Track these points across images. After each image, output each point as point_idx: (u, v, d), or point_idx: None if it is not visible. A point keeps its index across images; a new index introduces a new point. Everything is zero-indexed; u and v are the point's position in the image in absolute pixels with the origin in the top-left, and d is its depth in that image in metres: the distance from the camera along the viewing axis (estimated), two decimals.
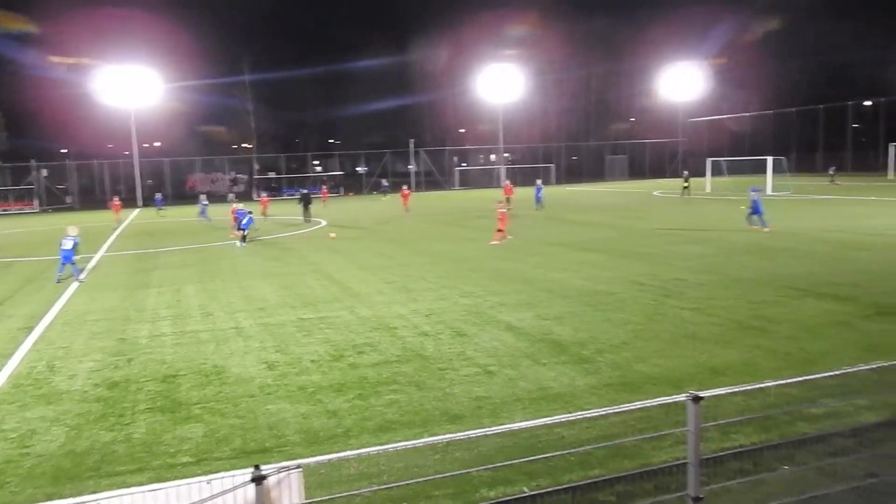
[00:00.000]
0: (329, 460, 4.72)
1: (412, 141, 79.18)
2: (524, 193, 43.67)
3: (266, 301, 16.30)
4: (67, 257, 19.90)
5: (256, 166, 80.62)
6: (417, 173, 79.30)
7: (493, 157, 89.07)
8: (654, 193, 53.75)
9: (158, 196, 55.36)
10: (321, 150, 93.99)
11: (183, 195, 71.53)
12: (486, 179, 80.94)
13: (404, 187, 46.36)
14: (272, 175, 78.30)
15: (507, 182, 41.90)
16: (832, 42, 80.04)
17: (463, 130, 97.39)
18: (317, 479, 6.03)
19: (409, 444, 6.14)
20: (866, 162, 69.27)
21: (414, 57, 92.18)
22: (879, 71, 76.17)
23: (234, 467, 6.73)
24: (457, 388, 9.59)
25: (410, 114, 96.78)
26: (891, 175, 59.91)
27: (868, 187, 49.28)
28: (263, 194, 45.22)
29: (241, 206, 33.48)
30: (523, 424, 7.13)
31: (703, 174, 55.53)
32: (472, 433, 5.94)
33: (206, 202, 42.65)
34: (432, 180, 78.86)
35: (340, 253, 24.55)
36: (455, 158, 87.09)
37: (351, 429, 8.33)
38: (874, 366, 8.13)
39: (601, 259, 20.57)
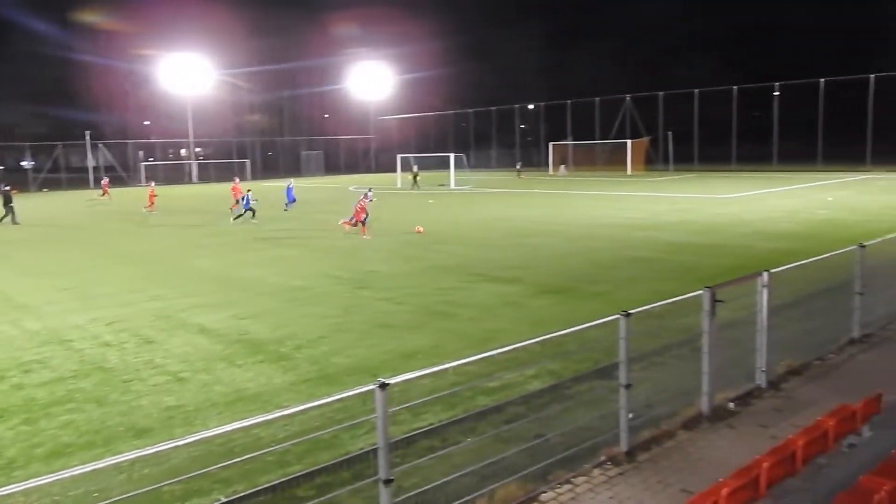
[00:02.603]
0: None
1: (88, 133, 71.74)
2: (222, 190, 41.95)
3: None
4: None
5: None
6: (97, 168, 72.07)
7: (182, 151, 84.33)
8: (351, 188, 55.11)
9: None
10: None
11: None
12: (176, 175, 76.33)
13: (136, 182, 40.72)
14: None
15: (237, 180, 39.32)
16: (501, 49, 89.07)
17: (147, 123, 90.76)
18: None
19: (88, 467, 5.54)
20: (531, 158, 78.11)
21: (85, 40, 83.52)
22: (540, 76, 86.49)
23: None
24: (144, 400, 8.94)
25: (86, 104, 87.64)
26: (551, 171, 68.20)
27: (535, 181, 55.66)
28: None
29: None
30: (217, 431, 6.84)
31: (393, 170, 58.24)
32: (161, 446, 5.55)
33: None
34: (115, 176, 72.28)
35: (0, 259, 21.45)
36: (140, 153, 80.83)
37: (15, 459, 7.34)
38: (539, 339, 9.23)
39: (298, 254, 20.58)
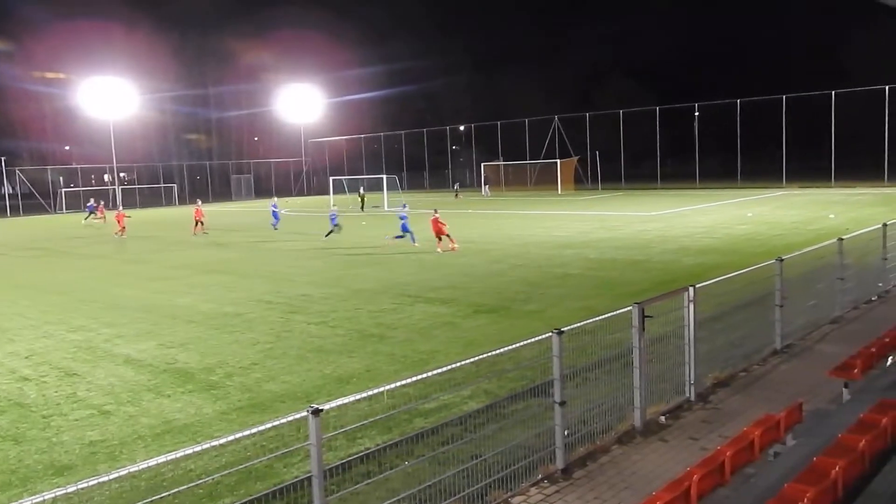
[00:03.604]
0: None
1: (3, 159, 68.80)
2: (155, 215, 40.82)
3: None
4: None
5: None
6: (13, 195, 69.14)
7: (106, 177, 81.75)
8: (283, 212, 54.34)
9: None
10: None
11: None
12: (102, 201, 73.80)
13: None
14: None
15: (199, 202, 38.49)
16: (430, 73, 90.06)
17: (68, 148, 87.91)
18: None
19: None
20: (464, 179, 78.72)
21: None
22: (470, 99, 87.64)
23: None
24: (66, 436, 8.55)
25: (1, 129, 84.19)
26: (484, 192, 68.87)
27: (468, 202, 56.05)
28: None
29: None
30: (144, 465, 6.60)
31: (327, 192, 57.81)
32: (83, 483, 5.31)
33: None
34: (34, 203, 69.43)
35: None
36: (61, 179, 77.99)
37: None
38: (474, 359, 9.24)
39: (227, 280, 20.15)
